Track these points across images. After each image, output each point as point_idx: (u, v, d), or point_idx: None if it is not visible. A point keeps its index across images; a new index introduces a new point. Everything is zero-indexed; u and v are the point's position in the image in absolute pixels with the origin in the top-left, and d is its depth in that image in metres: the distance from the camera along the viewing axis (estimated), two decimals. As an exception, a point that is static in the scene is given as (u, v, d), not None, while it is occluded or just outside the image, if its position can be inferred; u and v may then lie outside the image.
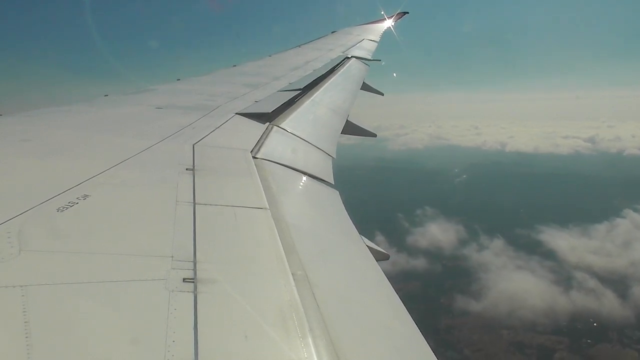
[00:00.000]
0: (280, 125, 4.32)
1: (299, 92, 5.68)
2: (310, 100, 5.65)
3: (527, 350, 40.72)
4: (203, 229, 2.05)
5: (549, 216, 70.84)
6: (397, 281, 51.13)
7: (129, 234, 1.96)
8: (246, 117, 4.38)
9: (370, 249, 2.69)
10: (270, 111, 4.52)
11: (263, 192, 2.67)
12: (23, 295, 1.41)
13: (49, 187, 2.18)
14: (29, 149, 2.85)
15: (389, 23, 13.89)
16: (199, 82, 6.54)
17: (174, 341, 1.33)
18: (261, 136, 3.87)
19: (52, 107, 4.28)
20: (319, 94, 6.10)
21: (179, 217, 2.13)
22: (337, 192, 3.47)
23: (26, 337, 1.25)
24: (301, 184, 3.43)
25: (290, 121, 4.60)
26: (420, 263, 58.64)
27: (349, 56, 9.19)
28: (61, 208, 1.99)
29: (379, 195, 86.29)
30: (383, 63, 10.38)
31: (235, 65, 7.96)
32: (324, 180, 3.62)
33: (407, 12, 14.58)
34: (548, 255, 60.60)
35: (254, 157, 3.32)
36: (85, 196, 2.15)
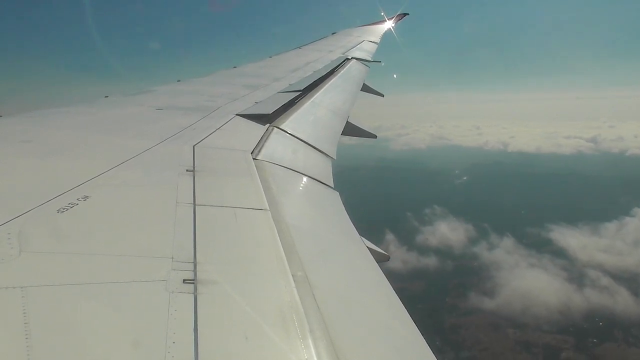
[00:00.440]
0: (280, 127, 4.32)
1: (299, 93, 5.68)
2: (310, 101, 5.65)
3: (534, 349, 40.89)
4: (203, 230, 2.05)
5: (556, 215, 71.29)
6: (408, 279, 51.83)
7: (129, 235, 1.96)
8: (246, 118, 4.38)
9: (371, 250, 2.68)
10: (270, 112, 4.53)
11: (263, 193, 2.67)
12: (23, 296, 1.41)
13: (50, 188, 2.18)
14: (29, 150, 2.85)
15: (389, 24, 13.91)
16: (199, 83, 6.55)
17: (174, 342, 1.33)
18: (261, 137, 3.87)
19: (52, 108, 4.28)
20: (319, 95, 6.10)
21: (179, 218, 2.13)
22: (337, 193, 3.47)
23: (26, 338, 1.25)
24: (301, 185, 3.43)
25: (291, 122, 4.60)
26: (431, 261, 59.18)
27: (349, 57, 9.20)
28: (61, 209, 1.99)
29: (384, 194, 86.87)
30: (383, 64, 10.39)
31: (235, 67, 7.97)
32: (324, 182, 3.62)
33: (407, 14, 14.61)
34: (558, 253, 60.93)
35: (254, 159, 3.32)
36: (86, 197, 2.15)
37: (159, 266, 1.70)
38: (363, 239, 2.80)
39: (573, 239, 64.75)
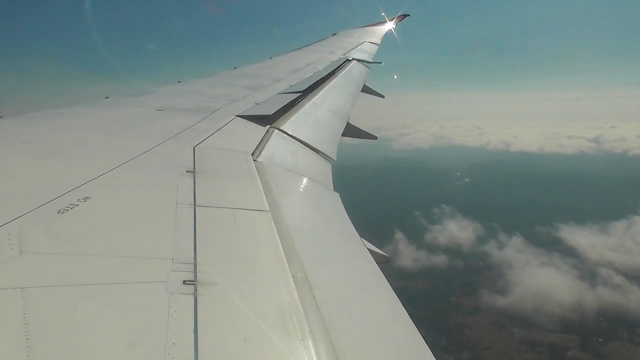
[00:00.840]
0: (280, 128, 4.33)
1: (300, 94, 5.68)
2: (310, 102, 5.65)
3: (539, 348, 41.01)
4: (203, 231, 2.05)
5: (563, 215, 71.61)
6: (415, 278, 52.43)
7: (129, 236, 1.96)
8: (247, 119, 4.39)
9: (371, 251, 2.68)
10: (270, 113, 4.53)
11: (264, 194, 2.67)
12: (23, 297, 1.41)
13: (50, 189, 2.18)
14: (30, 151, 2.85)
15: (390, 25, 13.91)
16: (200, 84, 6.55)
17: (174, 343, 1.33)
18: (262, 139, 3.87)
19: (53, 109, 4.28)
20: (320, 97, 6.10)
21: (179, 219, 2.13)
22: (338, 194, 3.47)
23: (26, 339, 1.25)
24: (302, 186, 3.43)
25: (291, 123, 4.60)
26: (439, 260, 59.56)
27: (350, 58, 9.20)
28: (62, 210, 1.99)
29: (389, 194, 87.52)
30: (383, 65, 10.40)
31: (235, 68, 7.98)
32: (324, 183, 3.62)
33: (408, 15, 14.62)
34: (568, 252, 61.03)
35: (254, 160, 3.32)
36: (86, 198, 2.15)
37: (159, 267, 1.70)
38: (363, 240, 2.80)
39: (582, 238, 65.08)
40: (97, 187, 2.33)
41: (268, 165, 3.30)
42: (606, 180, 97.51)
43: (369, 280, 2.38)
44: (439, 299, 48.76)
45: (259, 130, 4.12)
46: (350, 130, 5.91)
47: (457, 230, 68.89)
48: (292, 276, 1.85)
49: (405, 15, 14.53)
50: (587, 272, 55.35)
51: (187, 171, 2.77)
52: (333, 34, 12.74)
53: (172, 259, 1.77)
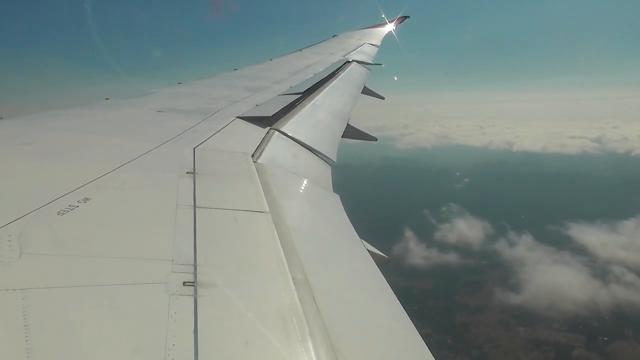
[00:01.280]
0: (280, 129, 4.33)
1: (300, 96, 5.68)
2: (311, 104, 5.65)
3: (545, 347, 41.13)
4: (203, 233, 2.05)
5: (568, 214, 71.91)
6: (420, 277, 52.71)
7: (129, 237, 1.96)
8: (247, 120, 4.39)
9: (371, 252, 2.68)
10: (270, 115, 4.53)
11: (264, 195, 2.67)
12: (23, 299, 1.41)
13: (50, 190, 2.18)
14: (30, 152, 2.85)
15: (390, 27, 13.92)
16: (200, 85, 6.56)
17: (174, 345, 1.33)
18: (262, 140, 3.88)
19: (53, 111, 4.28)
20: (320, 98, 6.10)
21: (179, 221, 2.13)
22: (338, 196, 3.47)
23: (26, 340, 1.25)
24: (302, 188, 3.43)
25: (291, 125, 4.60)
26: (445, 258, 59.86)
27: (350, 60, 9.21)
28: (62, 211, 1.99)
29: (393, 193, 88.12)
30: (384, 66, 10.41)
31: (236, 69, 7.98)
32: (324, 185, 3.62)
33: (408, 17, 14.64)
34: (578, 250, 61.22)
35: (254, 161, 3.32)
36: (86, 199, 2.15)
37: (159, 268, 1.70)
38: (363, 241, 2.80)
39: (592, 237, 65.32)
40: (97, 188, 2.33)
41: (268, 166, 3.30)
42: (610, 180, 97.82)
43: (369, 282, 2.37)
44: (445, 297, 49.04)
45: (259, 132, 4.12)
46: (351, 132, 5.91)
47: (466, 229, 69.51)
48: (292, 278, 1.85)
49: (405, 17, 14.55)
50: (599, 270, 55.50)
51: (187, 172, 2.77)
52: (333, 36, 12.76)
53: (172, 260, 1.76)
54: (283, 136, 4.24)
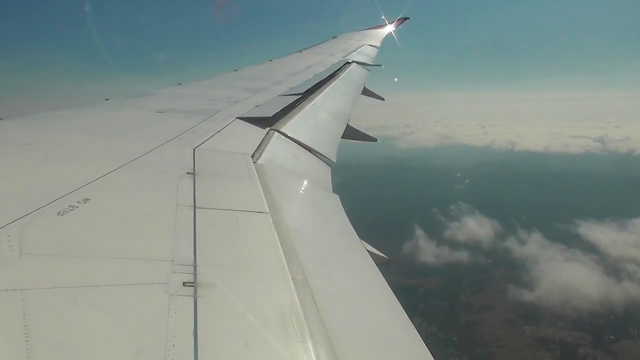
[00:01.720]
0: (280, 130, 4.33)
1: (300, 96, 5.69)
2: (310, 104, 5.66)
3: (551, 345, 41.31)
4: (203, 233, 2.05)
5: (572, 214, 72.01)
6: (421, 276, 52.75)
7: (129, 238, 1.96)
8: (247, 121, 4.39)
9: (370, 253, 2.68)
10: (270, 115, 4.53)
11: (263, 196, 2.67)
12: (23, 299, 1.41)
13: (50, 191, 2.18)
14: (30, 153, 2.85)
15: (390, 28, 13.94)
16: (200, 86, 6.56)
17: (173, 345, 1.33)
18: (262, 141, 3.88)
19: (53, 111, 4.28)
20: (320, 99, 6.11)
21: (179, 221, 2.13)
22: (337, 196, 3.47)
23: (26, 341, 1.25)
24: (302, 188, 3.44)
25: (291, 125, 4.60)
26: (459, 256, 60.23)
27: (350, 61, 9.21)
28: (62, 212, 1.99)
29: (395, 193, 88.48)
30: (383, 67, 10.41)
31: (236, 70, 7.99)
32: (324, 185, 3.62)
33: (408, 18, 14.66)
34: (587, 248, 61.34)
35: (254, 162, 3.32)
36: (86, 200, 2.15)
37: (158, 269, 1.70)
38: (363, 242, 2.80)
39: (602, 235, 65.54)
40: (97, 188, 2.33)
41: (268, 167, 3.30)
42: (613, 180, 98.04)
43: (368, 282, 2.37)
44: (451, 296, 49.26)
45: (259, 132, 4.12)
46: (351, 133, 5.91)
47: (476, 227, 69.88)
48: (292, 278, 1.85)
49: (405, 19, 14.58)
50: (611, 268, 55.67)
51: (187, 173, 2.77)
52: (333, 37, 12.77)
53: (172, 260, 1.76)
54: (283, 137, 4.24)
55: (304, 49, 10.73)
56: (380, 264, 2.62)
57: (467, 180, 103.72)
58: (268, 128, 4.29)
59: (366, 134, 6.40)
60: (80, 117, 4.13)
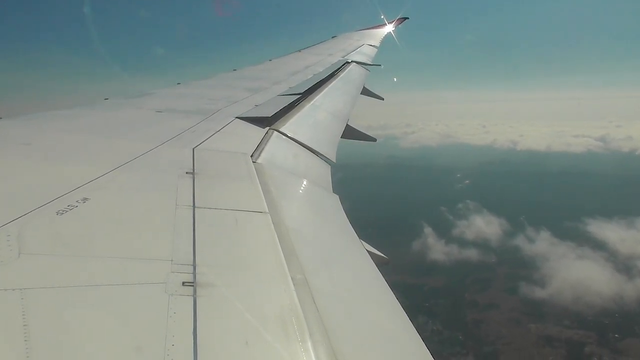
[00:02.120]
0: (280, 130, 4.33)
1: (299, 96, 5.69)
2: (310, 104, 5.66)
3: (556, 343, 41.43)
4: (203, 233, 2.04)
5: (576, 213, 72.12)
6: (424, 274, 52.84)
7: (128, 238, 1.96)
8: (246, 121, 4.39)
9: (370, 253, 2.68)
10: (270, 115, 4.53)
11: (263, 196, 2.67)
12: (22, 299, 1.41)
13: (49, 190, 2.18)
14: (29, 152, 2.85)
15: (389, 28, 13.95)
16: (199, 86, 6.56)
17: (173, 345, 1.33)
18: (261, 140, 3.88)
19: (52, 111, 4.28)
20: (319, 99, 6.11)
21: (178, 221, 2.13)
22: (337, 196, 3.47)
23: (25, 341, 1.25)
24: (301, 188, 3.43)
25: (290, 125, 4.60)
26: (462, 254, 60.41)
27: (349, 61, 9.21)
28: (61, 211, 1.99)
29: (397, 193, 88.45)
30: (382, 67, 10.42)
31: (235, 70, 7.99)
32: (323, 185, 3.62)
33: (407, 18, 14.67)
34: (597, 246, 61.52)
35: (254, 161, 3.32)
36: (85, 199, 2.14)
37: (158, 269, 1.69)
38: (363, 242, 2.80)
39: (611, 232, 65.67)
40: (96, 188, 2.32)
41: (267, 167, 3.30)
42: (616, 179, 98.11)
43: (368, 282, 2.37)
44: (456, 294, 49.39)
45: (259, 132, 4.12)
46: (350, 132, 5.91)
47: (484, 226, 70.08)
48: (292, 278, 1.85)
49: (404, 19, 14.58)
50: (621, 265, 55.74)
51: (187, 172, 2.77)
52: (332, 37, 12.77)
53: (171, 260, 1.76)
54: (282, 136, 4.24)
55: (304, 49, 10.73)
56: (380, 263, 2.62)
57: (469, 180, 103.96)
58: (267, 128, 4.28)
59: (366, 134, 6.41)
60: (79, 117, 4.13)
